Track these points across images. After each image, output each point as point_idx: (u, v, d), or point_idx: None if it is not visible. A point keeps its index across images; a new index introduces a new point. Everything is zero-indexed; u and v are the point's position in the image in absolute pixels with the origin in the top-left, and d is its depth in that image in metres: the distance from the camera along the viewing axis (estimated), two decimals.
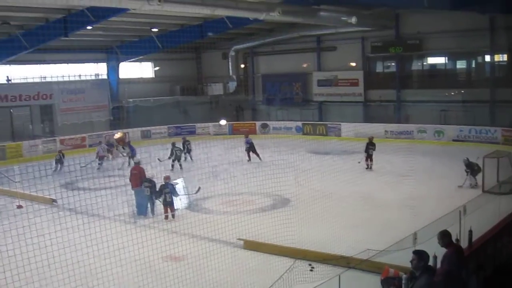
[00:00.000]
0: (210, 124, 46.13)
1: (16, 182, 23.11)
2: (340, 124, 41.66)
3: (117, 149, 34.75)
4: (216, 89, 50.41)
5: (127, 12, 29.31)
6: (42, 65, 42.49)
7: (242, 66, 51.28)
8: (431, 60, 41.94)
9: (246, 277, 13.72)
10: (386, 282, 10.43)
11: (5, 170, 26.95)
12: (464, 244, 11.52)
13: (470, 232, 12.05)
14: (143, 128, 44.09)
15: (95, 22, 31.39)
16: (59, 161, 31.62)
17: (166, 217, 20.19)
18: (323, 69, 45.85)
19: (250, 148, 32.84)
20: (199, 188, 20.69)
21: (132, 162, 31.15)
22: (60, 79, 43.73)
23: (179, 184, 22.39)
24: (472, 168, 23.26)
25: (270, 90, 49.52)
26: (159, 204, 20.67)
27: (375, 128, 37.44)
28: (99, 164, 32.35)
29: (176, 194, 20.63)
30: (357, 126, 38.19)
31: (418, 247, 10.21)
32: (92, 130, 41.92)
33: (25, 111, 41.50)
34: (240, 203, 21.18)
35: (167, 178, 20.66)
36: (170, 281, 12.70)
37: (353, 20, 32.55)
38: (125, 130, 39.44)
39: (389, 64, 43.52)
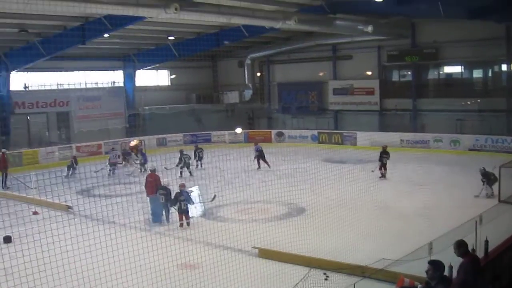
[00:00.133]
0: (226, 132, 46.21)
1: (32, 188, 23.27)
2: (355, 133, 41.56)
3: (132, 157, 34.94)
4: (232, 97, 50.44)
5: (144, 20, 29.43)
6: (59, 73, 42.76)
7: (258, 74, 51.30)
8: (447, 69, 41.74)
9: (260, 285, 13.70)
10: None
11: (22, 177, 27.15)
12: (480, 254, 11.46)
13: (486, 242, 11.99)
14: (159, 136, 44.18)
15: (112, 30, 31.62)
16: (71, 166, 31.98)
17: (181, 225, 20.21)
18: (339, 77, 45.80)
19: (260, 155, 32.90)
20: (215, 196, 20.72)
21: (143, 170, 31.70)
22: (77, 86, 44.04)
23: (194, 192, 22.41)
24: (488, 178, 23.09)
25: (286, 99, 49.52)
26: (174, 212, 20.69)
27: (391, 137, 37.39)
28: (109, 170, 32.65)
29: (191, 202, 20.64)
30: (373, 135, 38.14)
31: (433, 257, 10.15)
32: (108, 138, 42.04)
33: (42, 118, 41.82)
34: (255, 211, 21.21)
35: (182, 185, 20.70)
36: None
37: (369, 29, 32.50)
38: (141, 138, 39.59)
39: (405, 73, 43.43)
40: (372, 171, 27.92)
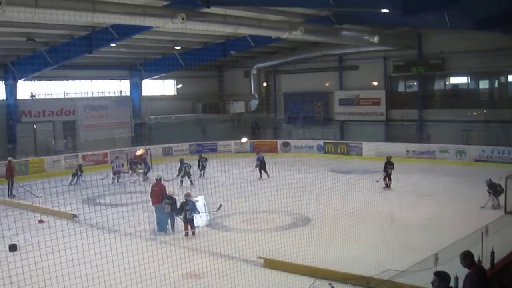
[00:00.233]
0: (232, 142, 46.25)
1: (38, 196, 23.31)
2: (361, 143, 41.50)
3: (138, 166, 35.03)
4: (238, 107, 50.49)
5: (151, 30, 29.58)
6: (66, 82, 42.94)
7: (264, 84, 51.34)
8: (454, 80, 41.76)
9: None
10: None
11: (28, 185, 27.20)
12: (486, 265, 11.42)
13: (493, 253, 11.96)
14: (165, 145, 44.25)
15: (119, 39, 31.69)
16: (76, 174, 32.44)
17: (187, 234, 20.19)
18: (345, 88, 45.82)
19: (261, 165, 32.98)
20: (220, 206, 20.70)
21: (145, 178, 32.16)
22: (84, 95, 44.18)
23: (200, 202, 22.40)
24: (494, 189, 23.04)
25: (292, 109, 49.55)
26: (179, 221, 20.68)
27: (397, 148, 37.37)
28: (113, 178, 32.87)
29: (197, 211, 20.63)
30: (379, 146, 38.06)
31: (439, 268, 10.13)
32: (114, 147, 42.08)
33: (48, 127, 41.94)
34: (260, 221, 21.21)
35: (187, 195, 20.67)
36: None
37: (376, 39, 32.54)
38: (147, 147, 39.60)
39: (411, 83, 43.41)
40: (377, 181, 27.87)
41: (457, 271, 9.85)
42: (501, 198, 22.78)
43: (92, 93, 44.98)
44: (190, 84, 50.77)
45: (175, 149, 44.60)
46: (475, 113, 38.72)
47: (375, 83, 43.75)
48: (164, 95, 49.83)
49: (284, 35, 27.52)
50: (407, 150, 38.90)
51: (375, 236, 17.96)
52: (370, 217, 20.94)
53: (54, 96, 42.36)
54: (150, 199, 21.85)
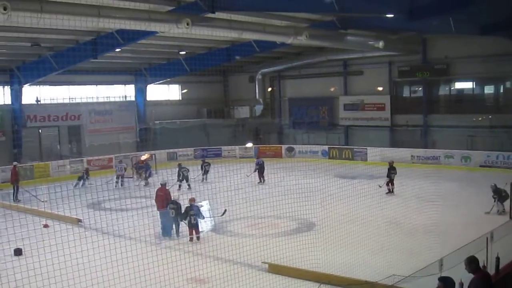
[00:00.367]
0: (236, 147, 46.27)
1: (43, 201, 23.35)
2: (366, 149, 41.47)
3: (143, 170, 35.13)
4: (243, 112, 50.51)
5: (156, 35, 29.61)
6: (71, 87, 43.01)
7: (269, 89, 51.33)
8: (459, 85, 41.69)
9: None
10: None
11: (33, 190, 27.25)
12: (491, 271, 11.40)
13: (498, 259, 11.93)
14: (170, 150, 44.30)
15: (124, 44, 31.74)
16: (82, 177, 33.02)
17: (191, 239, 20.20)
18: (349, 93, 45.80)
19: (260, 169, 33.09)
20: (225, 211, 20.70)
21: (146, 183, 32.85)
22: (89, 100, 44.23)
23: (204, 206, 22.42)
24: (499, 194, 23.00)
25: (296, 114, 49.54)
26: (184, 226, 20.70)
27: (402, 153, 37.29)
28: (116, 182, 33.08)
29: (202, 216, 20.65)
30: (384, 151, 38.02)
31: (444, 274, 10.13)
32: (119, 151, 42.16)
33: (53, 132, 42.03)
34: (265, 226, 21.19)
35: (192, 200, 20.68)
36: None
37: (380, 44, 32.57)
38: (151, 152, 39.65)
39: (416, 88, 43.34)
40: (380, 186, 27.86)
41: (462, 276, 9.83)
42: (506, 203, 22.75)
43: (97, 98, 45.00)
44: (195, 89, 50.83)
45: (179, 154, 44.63)
46: (480, 119, 38.67)
47: (380, 88, 43.74)
48: (169, 100, 49.86)
49: (289, 40, 27.57)
50: (412, 156, 38.85)
51: (379, 242, 17.95)
52: (375, 223, 20.94)
53: (59, 101, 42.42)
54: (154, 204, 21.89)
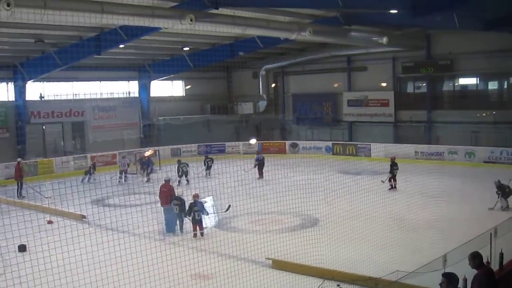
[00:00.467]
0: (240, 143, 46.29)
1: (47, 197, 23.38)
2: (370, 145, 41.42)
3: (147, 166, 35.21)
4: (246, 108, 50.54)
5: (159, 31, 29.63)
6: (74, 83, 43.04)
7: (273, 85, 51.36)
8: (462, 81, 41.61)
9: None
10: None
11: (37, 186, 27.29)
12: (495, 267, 11.38)
13: (501, 255, 11.91)
14: (173, 146, 44.32)
15: (128, 40, 31.77)
16: (88, 172, 33.39)
17: (195, 235, 20.22)
18: (353, 89, 45.78)
19: (259, 165, 33.20)
20: (229, 206, 20.70)
21: (147, 179, 33.13)
22: (92, 96, 44.27)
23: (208, 202, 22.43)
24: (503, 190, 22.98)
25: (300, 110, 49.53)
26: (188, 222, 20.72)
27: (406, 149, 37.34)
28: (119, 178, 33.31)
29: (205, 212, 20.67)
30: (387, 147, 37.98)
31: (447, 270, 10.11)
32: (123, 148, 42.14)
33: (57, 128, 42.11)
34: (268, 222, 21.19)
35: (196, 196, 20.70)
36: None
37: (384, 40, 32.53)
38: (155, 148, 39.67)
39: (420, 84, 43.31)
40: (382, 181, 27.90)
41: (466, 272, 9.82)
42: (510, 199, 22.79)
43: (101, 94, 45.06)
44: (199, 85, 50.84)
45: (183, 150, 44.65)
46: (484, 114, 38.57)
47: (384, 84, 43.67)
48: (172, 96, 49.87)
49: (293, 36, 27.53)
50: (415, 152, 38.87)
51: (383, 237, 17.94)
52: (379, 218, 20.92)
53: (63, 97, 42.46)
54: (158, 200, 21.92)
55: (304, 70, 48.29)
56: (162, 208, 21.47)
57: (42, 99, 41.00)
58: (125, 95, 46.77)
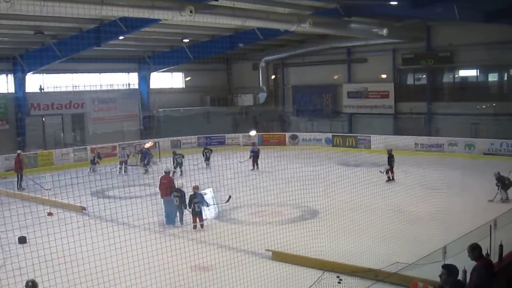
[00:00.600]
0: (240, 134, 46.29)
1: (47, 189, 23.39)
2: (369, 136, 41.42)
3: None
4: (246, 100, 50.56)
5: (159, 22, 29.58)
6: (74, 75, 43.05)
7: (273, 77, 51.30)
8: (462, 73, 41.58)
9: None
10: None
11: (37, 178, 27.30)
12: (494, 258, 11.41)
13: (501, 246, 11.93)
14: (173, 138, 44.31)
15: (127, 32, 31.72)
16: (93, 161, 34.18)
17: (195, 227, 20.26)
18: (353, 81, 45.73)
19: (254, 156, 33.53)
20: (230, 197, 20.71)
21: (145, 170, 33.41)
22: (92, 88, 44.26)
23: (208, 194, 22.44)
24: (503, 182, 23.00)
25: (300, 102, 49.47)
26: (188, 214, 20.73)
27: (406, 141, 37.27)
28: (119, 168, 33.69)
29: (205, 204, 20.70)
30: (387, 139, 37.96)
31: (447, 261, 10.13)
32: (123, 139, 42.14)
33: (57, 120, 42.10)
34: (268, 213, 21.24)
35: (196, 187, 20.72)
36: None
37: (384, 32, 32.46)
38: (155, 140, 39.67)
39: (420, 76, 43.27)
40: (381, 172, 27.97)
41: (465, 264, 9.84)
42: (510, 191, 22.81)
43: (101, 86, 45.06)
44: (198, 77, 50.77)
45: (183, 142, 44.68)
46: (484, 106, 38.56)
47: (384, 76, 43.61)
48: (172, 88, 49.89)
49: (293, 27, 27.51)
50: (415, 143, 38.84)
51: (383, 229, 17.96)
52: (378, 210, 20.95)
53: (63, 89, 42.45)
54: (158, 191, 21.94)
55: (304, 61, 48.17)
56: (162, 200, 21.49)
57: (42, 91, 40.95)
58: (125, 87, 46.71)
